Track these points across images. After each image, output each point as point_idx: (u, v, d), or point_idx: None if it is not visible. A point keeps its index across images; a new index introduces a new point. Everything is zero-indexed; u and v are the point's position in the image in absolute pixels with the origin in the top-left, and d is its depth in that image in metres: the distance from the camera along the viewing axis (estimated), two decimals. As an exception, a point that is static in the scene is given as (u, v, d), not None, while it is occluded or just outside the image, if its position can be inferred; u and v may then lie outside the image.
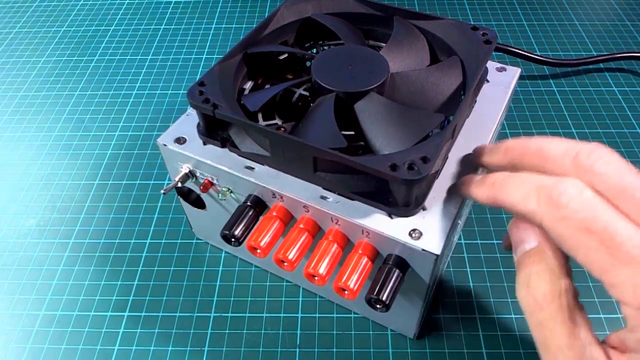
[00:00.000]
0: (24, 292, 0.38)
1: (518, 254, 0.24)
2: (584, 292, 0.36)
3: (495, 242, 0.40)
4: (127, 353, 0.35)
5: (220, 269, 0.39)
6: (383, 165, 0.25)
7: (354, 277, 0.27)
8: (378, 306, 0.27)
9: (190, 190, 0.35)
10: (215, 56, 0.60)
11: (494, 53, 0.53)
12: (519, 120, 0.50)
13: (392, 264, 0.27)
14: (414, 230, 0.27)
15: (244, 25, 0.64)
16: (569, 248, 0.20)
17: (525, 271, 0.22)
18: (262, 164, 0.31)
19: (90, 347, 0.35)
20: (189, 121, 0.33)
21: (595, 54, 0.57)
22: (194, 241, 0.41)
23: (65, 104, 0.54)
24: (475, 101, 0.35)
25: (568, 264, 0.23)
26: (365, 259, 0.28)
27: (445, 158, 0.31)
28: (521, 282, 0.23)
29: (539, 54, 0.55)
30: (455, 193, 0.29)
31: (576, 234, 0.20)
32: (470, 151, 0.31)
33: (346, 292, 0.27)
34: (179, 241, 0.41)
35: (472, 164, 0.30)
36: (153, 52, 0.60)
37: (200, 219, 0.38)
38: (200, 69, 0.58)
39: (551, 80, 0.55)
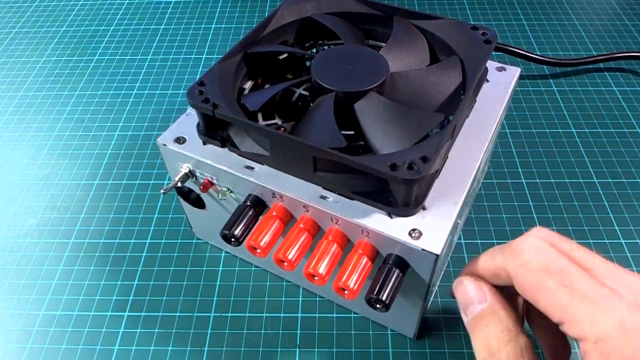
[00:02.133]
0: (24, 292, 0.38)
1: (469, 316, 0.24)
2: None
3: (495, 242, 0.40)
4: (127, 353, 0.34)
5: (220, 269, 0.39)
6: (383, 165, 0.25)
7: (354, 277, 0.27)
8: (378, 306, 0.27)
9: (190, 190, 0.35)
10: (215, 56, 0.60)
11: (493, 53, 0.53)
12: (519, 120, 0.50)
13: (392, 263, 0.27)
14: (413, 230, 0.27)
15: (244, 25, 0.64)
16: (531, 292, 0.22)
17: (483, 334, 0.23)
18: (262, 164, 0.31)
19: (90, 347, 0.35)
20: (189, 121, 0.33)
21: (595, 53, 0.57)
22: (194, 241, 0.41)
23: (65, 104, 0.54)
24: (475, 101, 0.35)
25: (520, 320, 0.23)
26: (365, 259, 0.28)
27: (445, 158, 0.31)
28: (481, 345, 0.23)
29: (539, 53, 0.55)
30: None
31: (537, 276, 0.22)
32: (471, 151, 0.31)
33: (346, 292, 0.27)
34: (179, 241, 0.41)
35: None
36: (153, 52, 0.60)
37: (200, 219, 0.38)
38: (200, 69, 0.58)
39: (551, 80, 0.55)
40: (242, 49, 0.34)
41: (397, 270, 0.27)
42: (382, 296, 0.26)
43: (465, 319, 0.25)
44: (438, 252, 0.26)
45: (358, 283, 0.27)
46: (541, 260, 0.22)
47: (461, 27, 0.34)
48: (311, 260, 0.28)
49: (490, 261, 0.24)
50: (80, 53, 0.61)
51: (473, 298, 0.24)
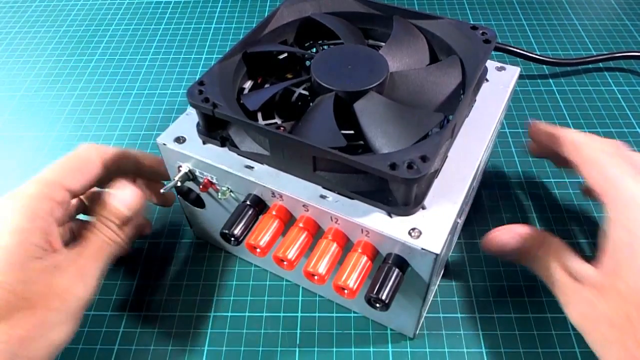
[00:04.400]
0: (23, 292, 0.38)
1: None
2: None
3: (495, 241, 0.40)
4: (127, 353, 0.35)
5: (220, 268, 0.39)
6: (382, 165, 0.25)
7: (354, 276, 0.27)
8: (378, 305, 0.27)
9: (190, 190, 0.35)
10: (215, 56, 0.60)
11: (493, 52, 0.53)
12: (519, 119, 0.50)
13: (392, 263, 0.27)
14: (413, 229, 0.27)
15: (243, 25, 0.64)
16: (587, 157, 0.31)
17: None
18: (262, 163, 0.31)
19: (90, 346, 0.35)
20: (189, 120, 0.33)
21: (595, 53, 0.57)
22: (194, 241, 0.41)
23: (65, 103, 0.54)
24: (475, 100, 0.35)
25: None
26: (364, 258, 0.28)
27: (445, 157, 0.31)
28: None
29: (538, 53, 0.55)
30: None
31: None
32: (470, 150, 0.31)
33: (346, 291, 0.27)
34: (178, 241, 0.41)
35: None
36: (153, 52, 0.60)
37: (200, 218, 0.38)
38: (200, 69, 0.58)
39: (551, 80, 0.55)
40: (242, 49, 0.34)
41: (397, 269, 0.27)
42: (382, 295, 0.26)
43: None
44: (438, 251, 0.26)
45: (358, 282, 0.27)
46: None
47: (461, 26, 0.35)
48: (311, 259, 0.28)
49: (569, 133, 0.33)
50: (80, 53, 0.61)
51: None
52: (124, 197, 0.33)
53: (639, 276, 0.26)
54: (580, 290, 0.28)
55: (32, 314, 0.27)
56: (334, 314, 0.36)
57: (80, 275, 0.30)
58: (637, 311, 0.26)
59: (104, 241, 0.32)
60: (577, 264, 0.30)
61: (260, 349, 0.34)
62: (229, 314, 0.36)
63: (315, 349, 0.34)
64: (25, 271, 0.27)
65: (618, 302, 0.27)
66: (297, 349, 0.34)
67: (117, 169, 0.35)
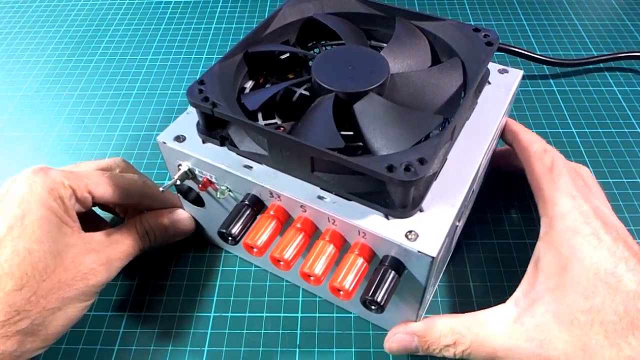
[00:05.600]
0: (24, 292, 0.38)
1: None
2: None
3: (495, 242, 0.40)
4: (127, 353, 0.35)
5: (220, 268, 0.39)
6: (380, 166, 0.25)
7: (349, 278, 0.27)
8: (373, 307, 0.27)
9: (190, 188, 0.36)
10: (215, 56, 0.60)
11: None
12: (520, 120, 0.50)
13: (388, 265, 0.27)
14: (410, 231, 0.27)
15: (244, 25, 0.64)
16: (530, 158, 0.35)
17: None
18: (261, 163, 0.31)
19: (90, 347, 0.35)
20: (189, 119, 0.33)
21: (595, 53, 0.57)
22: (194, 241, 0.41)
23: (65, 104, 0.54)
24: (476, 103, 0.35)
25: None
26: (361, 260, 0.28)
27: (444, 160, 0.30)
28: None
29: (539, 53, 0.55)
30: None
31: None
32: (470, 153, 0.31)
33: (341, 292, 0.27)
34: (179, 241, 0.41)
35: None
36: (153, 52, 0.61)
37: (199, 217, 0.38)
38: (200, 69, 0.58)
39: (551, 80, 0.55)
40: (243, 49, 0.34)
41: (393, 272, 0.27)
42: (377, 297, 0.26)
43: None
44: (434, 254, 0.26)
45: (353, 284, 0.27)
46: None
47: (463, 28, 0.34)
48: (307, 260, 0.28)
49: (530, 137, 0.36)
50: (80, 53, 0.61)
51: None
52: (181, 220, 0.38)
53: (580, 307, 0.26)
54: (524, 342, 0.27)
55: (59, 288, 0.28)
56: (334, 315, 0.36)
57: (108, 261, 0.32)
58: (594, 338, 0.25)
59: (138, 242, 0.34)
60: (494, 321, 0.29)
61: (261, 349, 0.34)
62: (229, 314, 0.36)
63: (316, 349, 0.34)
64: (57, 244, 0.29)
65: (574, 332, 0.26)
66: (297, 350, 0.34)
67: (139, 204, 0.37)
